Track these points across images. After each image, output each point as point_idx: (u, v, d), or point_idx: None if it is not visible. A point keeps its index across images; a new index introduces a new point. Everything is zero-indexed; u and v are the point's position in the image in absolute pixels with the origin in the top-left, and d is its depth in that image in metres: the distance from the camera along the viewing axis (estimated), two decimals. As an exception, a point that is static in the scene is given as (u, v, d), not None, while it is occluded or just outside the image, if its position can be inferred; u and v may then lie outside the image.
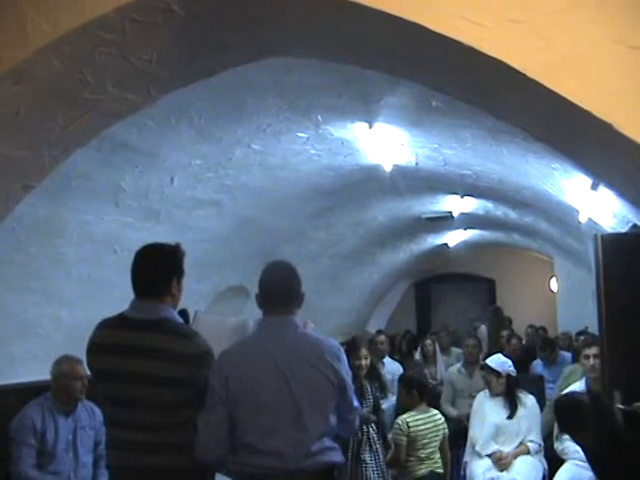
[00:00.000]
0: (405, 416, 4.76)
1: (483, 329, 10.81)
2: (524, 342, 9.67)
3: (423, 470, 4.69)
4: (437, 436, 4.78)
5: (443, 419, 4.90)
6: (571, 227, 7.18)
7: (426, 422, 4.76)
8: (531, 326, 10.73)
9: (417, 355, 9.77)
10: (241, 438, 2.61)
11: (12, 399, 4.41)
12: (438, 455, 4.80)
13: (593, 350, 4.77)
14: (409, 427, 4.67)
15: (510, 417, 5.13)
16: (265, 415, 2.59)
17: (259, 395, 2.59)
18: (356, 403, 2.83)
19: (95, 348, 2.75)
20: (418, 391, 4.84)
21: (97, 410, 4.27)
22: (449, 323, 11.72)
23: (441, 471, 4.79)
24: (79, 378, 4.24)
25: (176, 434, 2.63)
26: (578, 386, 4.99)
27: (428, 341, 8.57)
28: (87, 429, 4.32)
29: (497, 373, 5.26)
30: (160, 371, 2.60)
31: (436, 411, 4.94)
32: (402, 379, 5.13)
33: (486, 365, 5.40)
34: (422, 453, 4.70)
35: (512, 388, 5.27)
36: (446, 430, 4.88)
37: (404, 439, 4.66)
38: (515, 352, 7.75)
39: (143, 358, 2.62)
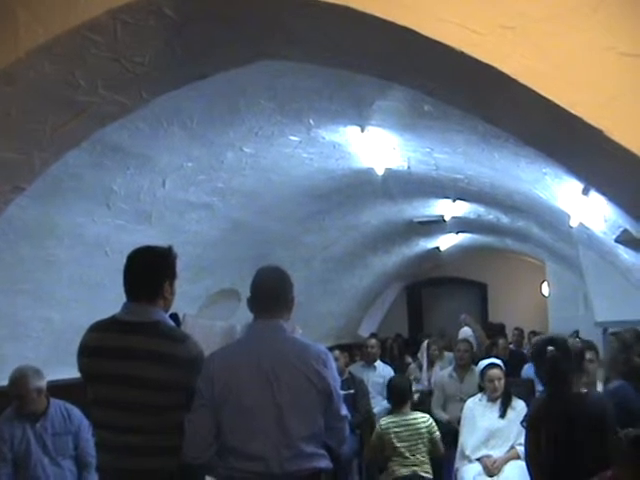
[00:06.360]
0: (383, 419, 5.15)
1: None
2: (512, 346, 9.68)
3: (404, 471, 4.85)
4: (421, 439, 4.91)
5: (428, 422, 5.01)
6: (562, 232, 7.20)
7: (402, 425, 4.93)
8: (517, 328, 10.69)
9: (409, 358, 9.77)
10: (226, 442, 2.61)
11: (2, 401, 4.38)
12: (425, 458, 4.91)
13: (588, 355, 4.73)
14: (382, 429, 4.95)
15: (502, 416, 5.13)
16: (248, 419, 2.59)
17: (242, 399, 2.59)
18: (344, 411, 2.78)
19: (86, 351, 2.74)
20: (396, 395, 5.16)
21: (75, 412, 4.20)
22: (443, 327, 11.71)
23: (426, 474, 4.87)
24: (24, 394, 4.04)
25: (168, 437, 2.62)
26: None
27: (434, 346, 8.59)
28: (62, 435, 4.17)
29: (502, 371, 5.36)
30: (152, 374, 2.60)
31: (420, 414, 5.09)
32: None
33: (494, 364, 5.44)
34: (404, 455, 4.86)
35: (508, 389, 5.34)
36: (434, 434, 4.98)
37: (375, 440, 5.04)
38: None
39: (135, 361, 2.61)
